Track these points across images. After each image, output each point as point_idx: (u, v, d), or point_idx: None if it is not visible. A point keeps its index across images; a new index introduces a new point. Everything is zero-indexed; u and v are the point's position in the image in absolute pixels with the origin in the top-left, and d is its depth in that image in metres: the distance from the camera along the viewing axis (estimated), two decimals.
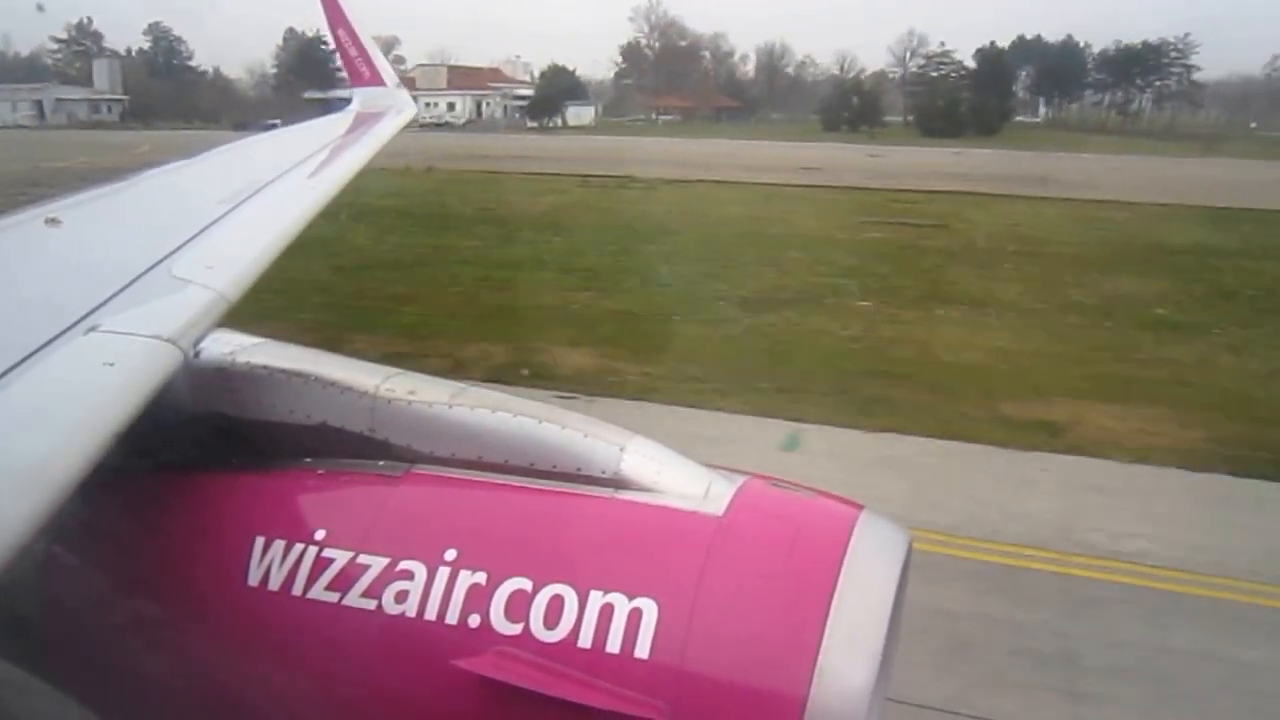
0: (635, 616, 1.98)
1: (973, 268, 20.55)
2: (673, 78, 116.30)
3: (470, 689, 2.01)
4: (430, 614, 2.07)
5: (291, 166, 5.50)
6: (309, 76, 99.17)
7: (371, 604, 2.11)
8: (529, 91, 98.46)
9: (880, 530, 2.14)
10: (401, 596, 2.10)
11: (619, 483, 2.23)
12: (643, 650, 1.95)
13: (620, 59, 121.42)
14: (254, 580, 2.22)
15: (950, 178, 41.06)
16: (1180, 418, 10.99)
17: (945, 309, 16.54)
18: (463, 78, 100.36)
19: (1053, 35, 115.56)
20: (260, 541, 2.25)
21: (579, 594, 2.02)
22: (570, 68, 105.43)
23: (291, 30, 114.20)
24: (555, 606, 2.02)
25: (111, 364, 2.09)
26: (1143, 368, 13.25)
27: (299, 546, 2.21)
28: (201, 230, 3.42)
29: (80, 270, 2.90)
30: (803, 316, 15.70)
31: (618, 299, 16.76)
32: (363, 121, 8.63)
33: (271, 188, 4.68)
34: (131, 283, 2.65)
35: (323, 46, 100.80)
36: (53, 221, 3.29)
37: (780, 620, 1.95)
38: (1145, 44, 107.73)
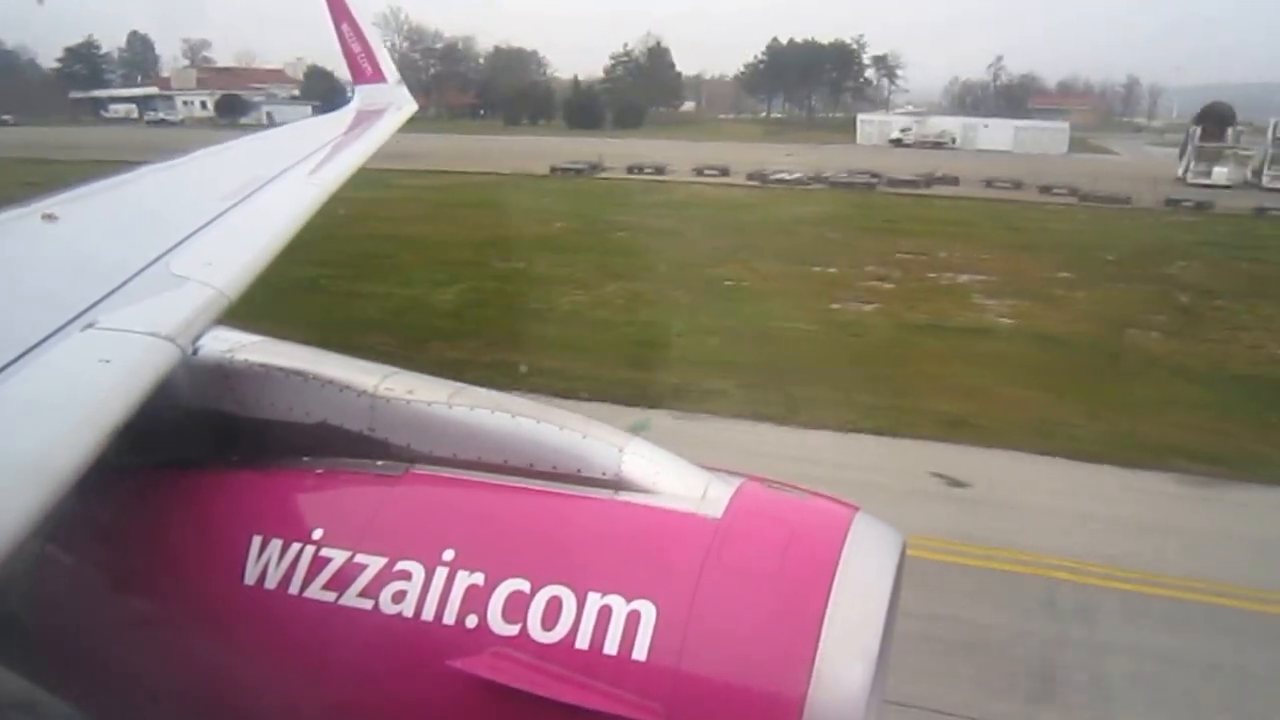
0: (633, 618, 1.97)
1: None
2: (433, 79, 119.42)
3: (467, 690, 2.00)
4: (427, 614, 2.06)
5: (292, 164, 5.48)
6: (80, 77, 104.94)
7: (368, 604, 2.10)
8: (295, 90, 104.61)
9: (874, 531, 2.14)
10: (399, 597, 2.09)
11: (618, 484, 2.23)
12: (640, 652, 1.95)
13: None
14: (251, 579, 2.21)
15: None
16: None
17: None
18: (228, 78, 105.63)
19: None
20: (257, 540, 2.24)
21: (577, 595, 2.01)
22: (328, 69, 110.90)
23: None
24: (553, 607, 2.01)
25: (108, 361, 2.08)
26: None
27: (296, 546, 2.20)
28: (200, 227, 3.40)
29: (77, 267, 2.87)
30: None
31: None
32: (363, 119, 8.63)
33: (271, 185, 4.66)
34: (129, 280, 2.64)
35: (94, 50, 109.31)
36: (49, 218, 3.26)
37: (777, 622, 1.95)
38: (823, 44, 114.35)
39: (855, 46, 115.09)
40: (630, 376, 13.06)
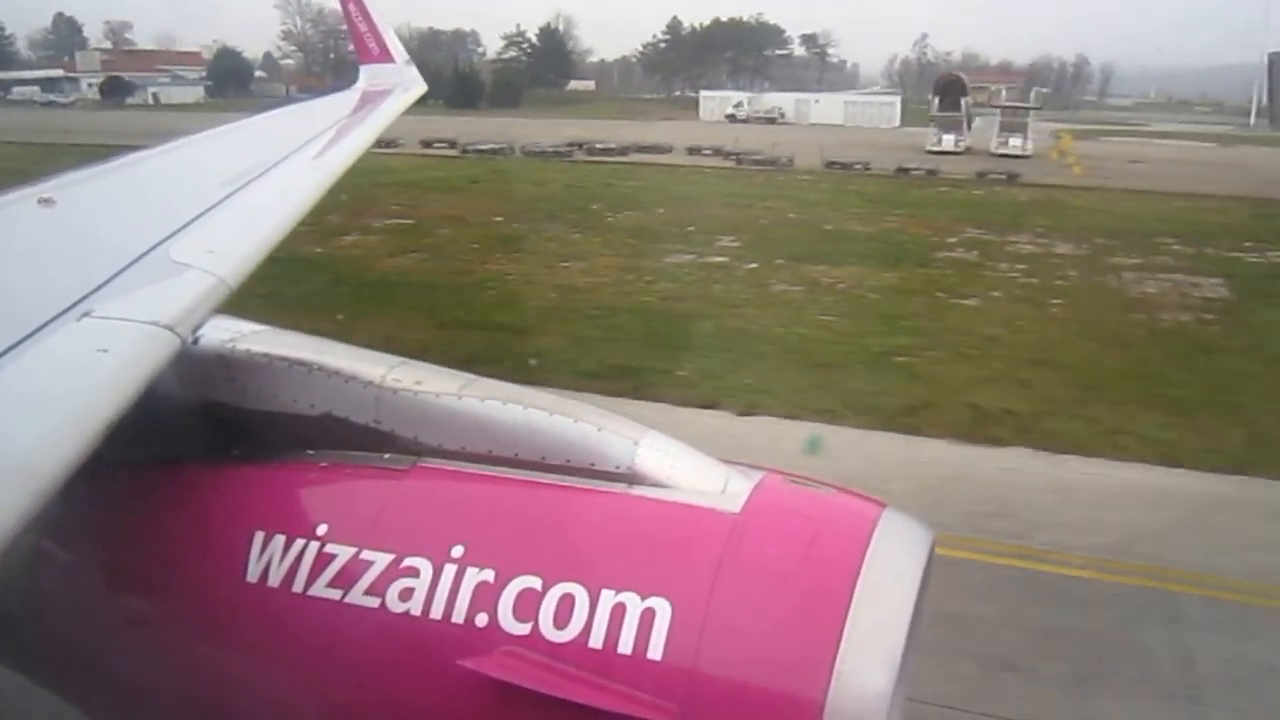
0: (648, 616, 1.92)
1: None
2: (337, 62, 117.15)
3: (476, 690, 1.94)
4: (436, 612, 2.01)
5: (296, 148, 5.37)
6: None
7: (375, 602, 2.05)
8: (203, 70, 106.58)
9: (903, 528, 2.07)
10: (406, 594, 2.03)
11: (633, 478, 2.16)
12: (655, 651, 1.89)
13: (282, 44, 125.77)
14: (253, 576, 2.15)
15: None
16: None
17: None
18: (135, 60, 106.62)
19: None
20: (260, 536, 2.18)
21: (590, 593, 1.95)
22: (239, 50, 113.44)
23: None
24: (566, 605, 1.95)
25: (105, 350, 2.02)
26: None
27: (300, 542, 2.14)
28: (202, 213, 3.32)
29: (74, 253, 2.81)
30: None
31: None
32: (369, 100, 8.50)
33: (275, 170, 4.57)
34: (128, 266, 2.56)
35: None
36: (46, 202, 3.18)
37: (798, 621, 1.89)
38: (727, 23, 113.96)
39: (755, 25, 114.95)
40: None
